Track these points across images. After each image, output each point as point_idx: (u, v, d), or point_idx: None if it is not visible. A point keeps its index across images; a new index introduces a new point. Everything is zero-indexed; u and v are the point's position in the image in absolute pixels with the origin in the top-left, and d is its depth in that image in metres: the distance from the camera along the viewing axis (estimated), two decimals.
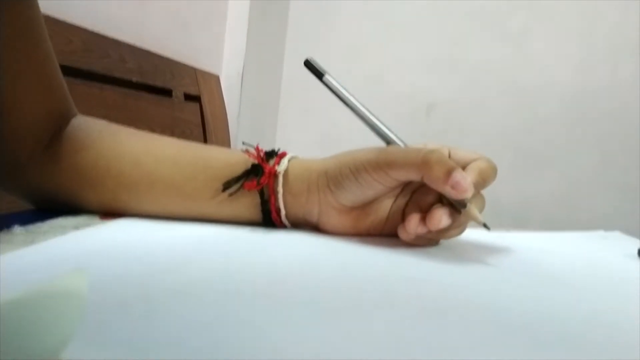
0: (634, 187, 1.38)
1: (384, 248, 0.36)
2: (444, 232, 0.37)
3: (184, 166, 0.41)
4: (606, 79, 1.42)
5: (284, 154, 0.40)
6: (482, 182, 0.36)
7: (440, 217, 0.34)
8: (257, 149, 0.40)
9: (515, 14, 1.45)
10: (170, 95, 1.02)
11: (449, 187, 0.34)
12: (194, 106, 1.11)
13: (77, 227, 0.35)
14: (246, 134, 1.37)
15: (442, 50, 1.49)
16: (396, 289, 0.27)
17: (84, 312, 0.15)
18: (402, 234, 0.37)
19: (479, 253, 0.36)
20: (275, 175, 0.39)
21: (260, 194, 0.39)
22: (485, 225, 0.35)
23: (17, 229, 0.33)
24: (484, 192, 0.38)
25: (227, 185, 0.39)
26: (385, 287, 0.27)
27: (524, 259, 0.36)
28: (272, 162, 0.40)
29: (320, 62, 0.43)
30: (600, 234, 0.47)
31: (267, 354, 0.18)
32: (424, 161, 0.34)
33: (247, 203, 0.40)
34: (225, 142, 1.22)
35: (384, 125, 0.40)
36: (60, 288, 0.14)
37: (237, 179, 0.39)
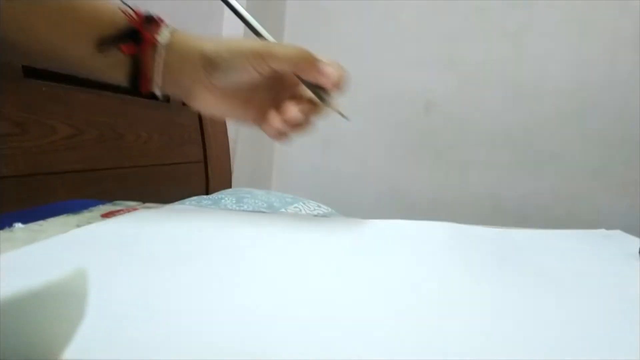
0: (634, 182, 1.38)
1: (381, 247, 0.36)
2: (299, 126, 0.41)
3: (49, 11, 0.38)
4: (605, 76, 1.41)
5: (161, 21, 0.41)
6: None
7: (295, 113, 0.40)
8: (136, 12, 0.40)
9: (514, 12, 1.46)
10: (168, 100, 1.02)
11: (320, 75, 0.39)
12: (192, 111, 1.11)
13: (78, 225, 0.35)
14: (245, 137, 1.37)
15: (441, 48, 1.49)
16: (394, 287, 0.27)
17: (85, 311, 0.15)
18: (268, 130, 0.42)
19: (481, 252, 0.36)
20: (154, 44, 0.39)
21: (133, 61, 0.39)
22: (342, 115, 0.40)
23: (19, 227, 0.33)
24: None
25: (101, 43, 0.38)
26: (383, 285, 0.27)
27: (524, 258, 0.35)
28: (149, 27, 0.39)
29: None
30: (601, 232, 0.47)
31: (270, 353, 0.18)
32: (301, 55, 0.39)
33: (118, 64, 0.39)
34: (224, 145, 1.22)
35: (259, 24, 0.44)
36: (61, 288, 0.14)
37: (112, 39, 0.38)
